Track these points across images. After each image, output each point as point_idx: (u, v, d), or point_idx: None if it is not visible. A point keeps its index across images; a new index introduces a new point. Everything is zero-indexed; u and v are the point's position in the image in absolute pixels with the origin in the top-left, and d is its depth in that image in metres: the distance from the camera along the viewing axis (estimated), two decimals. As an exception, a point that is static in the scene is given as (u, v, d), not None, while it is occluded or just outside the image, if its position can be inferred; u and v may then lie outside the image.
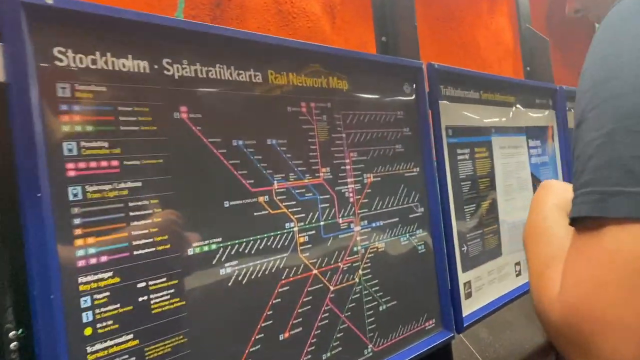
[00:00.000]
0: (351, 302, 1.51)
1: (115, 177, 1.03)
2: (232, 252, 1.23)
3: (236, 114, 1.27)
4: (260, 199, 1.30)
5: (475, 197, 2.05)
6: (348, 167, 1.54)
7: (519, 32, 3.04)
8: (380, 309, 1.61)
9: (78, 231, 0.97)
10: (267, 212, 1.31)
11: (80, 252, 0.97)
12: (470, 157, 2.04)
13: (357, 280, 1.54)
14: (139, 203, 1.07)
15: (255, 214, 1.28)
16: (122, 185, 1.04)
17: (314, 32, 2.85)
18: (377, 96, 1.68)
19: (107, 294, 1.00)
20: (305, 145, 1.43)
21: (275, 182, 1.33)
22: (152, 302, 1.07)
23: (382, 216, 1.64)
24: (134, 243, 1.05)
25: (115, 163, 1.04)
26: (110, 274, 1.01)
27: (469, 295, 1.96)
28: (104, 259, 1.00)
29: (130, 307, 1.04)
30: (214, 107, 1.23)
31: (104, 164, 1.02)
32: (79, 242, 0.97)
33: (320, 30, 2.89)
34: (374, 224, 1.61)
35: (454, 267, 1.87)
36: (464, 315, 1.89)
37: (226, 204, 1.22)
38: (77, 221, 0.97)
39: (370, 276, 1.58)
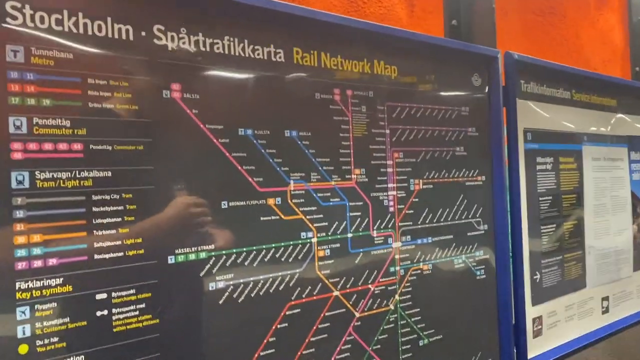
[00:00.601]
0: (382, 334, 1.25)
1: (77, 163, 0.85)
2: (227, 264, 1.01)
3: (246, 98, 1.06)
4: (270, 201, 1.07)
5: (557, 216, 1.70)
6: (390, 169, 1.28)
7: (629, 29, 2.59)
8: (421, 343, 1.33)
9: (20, 226, 0.80)
10: (278, 217, 1.08)
11: (21, 252, 0.80)
12: (553, 167, 1.69)
13: (391, 307, 1.27)
14: (106, 197, 0.88)
15: (262, 218, 1.06)
16: (86, 174, 0.86)
17: (386, 19, 2.56)
18: (436, 87, 1.40)
19: (53, 305, 0.82)
20: (335, 140, 1.18)
21: (292, 182, 1.10)
22: (114, 317, 0.88)
23: (431, 232, 1.36)
24: (96, 245, 0.86)
25: (78, 146, 0.85)
26: (59, 280, 0.83)
27: (538, 333, 1.63)
28: (52, 262, 0.82)
29: (84, 323, 0.85)
30: (217, 88, 1.02)
31: (62, 146, 0.84)
32: (20, 239, 0.80)
33: (395, 18, 2.59)
34: (419, 241, 1.34)
35: (522, 299, 1.54)
36: (529, 357, 1.56)
37: (224, 204, 1.01)
38: (19, 214, 0.80)
39: (409, 303, 1.31)
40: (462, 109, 1.45)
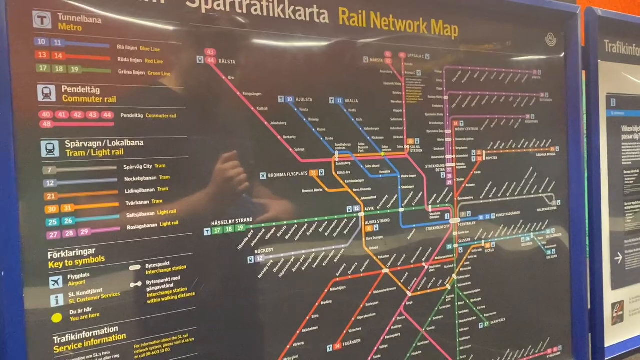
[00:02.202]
0: (437, 314, 1.17)
1: (108, 132, 0.83)
2: (267, 237, 0.97)
3: (286, 64, 0.99)
4: (313, 172, 1.01)
5: (645, 192, 1.52)
6: (449, 139, 1.18)
7: None
8: (480, 326, 1.24)
9: (51, 196, 0.79)
10: (321, 190, 1.02)
11: (52, 222, 0.79)
12: (642, 137, 1.51)
13: (448, 287, 1.19)
14: (139, 167, 0.85)
15: (304, 191, 1.01)
16: (117, 143, 0.84)
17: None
18: (503, 49, 1.27)
19: (87, 275, 0.82)
20: (386, 107, 1.10)
21: (337, 152, 1.04)
22: (148, 289, 0.86)
23: (494, 207, 1.25)
24: (129, 216, 0.85)
25: (108, 115, 0.83)
26: (92, 251, 0.82)
27: (618, 319, 1.48)
28: (85, 232, 0.81)
29: (117, 294, 0.84)
30: (255, 53, 0.97)
31: (92, 115, 0.82)
32: (51, 209, 0.79)
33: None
34: (481, 217, 1.23)
35: (599, 282, 1.40)
36: (606, 346, 1.42)
37: (263, 175, 0.96)
38: (50, 183, 0.79)
39: (469, 283, 1.21)
40: (534, 72, 1.31)
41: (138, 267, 0.86)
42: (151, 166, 0.86)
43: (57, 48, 0.79)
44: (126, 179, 0.84)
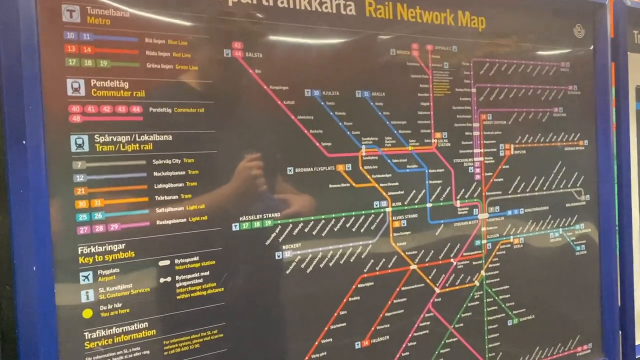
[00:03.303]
0: (466, 311, 1.15)
1: (137, 126, 0.83)
2: (295, 232, 0.96)
3: (313, 57, 0.98)
4: (340, 167, 1.00)
5: (676, 187, 1.49)
6: (477, 133, 1.16)
7: None
8: (509, 323, 1.22)
9: (81, 190, 0.79)
10: (348, 184, 1.01)
11: (83, 217, 0.79)
12: (672, 130, 1.47)
13: (476, 283, 1.17)
14: (167, 161, 0.85)
15: (330, 186, 0.99)
16: (146, 137, 0.83)
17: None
18: (531, 40, 1.24)
19: (117, 270, 0.81)
20: (413, 101, 1.08)
21: (364, 147, 1.02)
22: (177, 285, 0.86)
23: (523, 202, 1.23)
24: (158, 211, 0.84)
25: (137, 109, 0.83)
26: (122, 246, 0.82)
27: (650, 317, 1.44)
28: (114, 227, 0.81)
29: (147, 289, 0.84)
30: (282, 46, 0.96)
31: (121, 109, 0.81)
32: (81, 203, 0.79)
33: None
34: (509, 212, 1.21)
35: (630, 278, 1.37)
36: (637, 343, 1.39)
37: (290, 170, 0.95)
38: (79, 178, 0.79)
39: (497, 280, 1.19)
40: (562, 64, 1.28)
41: (167, 262, 0.85)
42: (180, 161, 0.86)
43: (86, 42, 0.79)
44: (155, 173, 0.84)
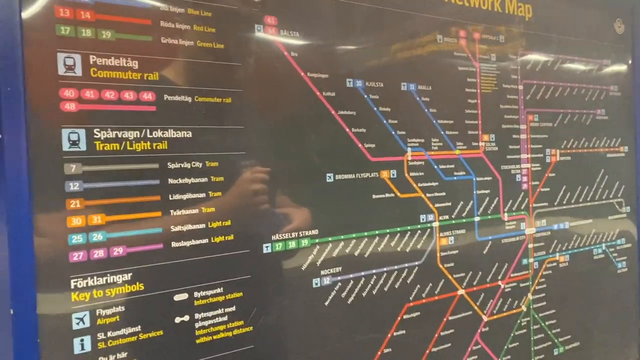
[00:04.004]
0: (513, 341, 1.00)
1: (148, 119, 0.63)
2: (335, 253, 0.78)
3: (355, 40, 0.81)
4: (384, 173, 0.83)
5: None
6: (524, 136, 1.01)
7: None
8: (555, 352, 1.07)
9: (75, 203, 0.58)
10: (393, 194, 0.84)
11: (77, 239, 0.58)
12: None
13: (523, 308, 1.02)
14: (186, 165, 0.65)
15: (374, 196, 0.82)
16: (159, 134, 0.64)
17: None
18: (575, 33, 1.11)
19: (121, 309, 0.61)
20: (461, 97, 0.93)
21: (409, 149, 0.86)
22: (197, 325, 0.66)
23: (568, 215, 1.09)
24: (173, 229, 0.64)
25: (148, 96, 0.63)
26: (128, 276, 0.61)
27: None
28: (119, 251, 0.61)
29: (159, 332, 0.64)
30: (321, 25, 0.78)
31: (129, 96, 0.62)
32: (75, 221, 0.58)
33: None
34: (555, 226, 1.07)
35: (668, 298, 1.26)
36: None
37: (329, 177, 0.78)
38: (73, 186, 0.58)
39: (544, 303, 1.05)
40: (604, 62, 1.17)
41: (185, 296, 0.65)
42: (201, 164, 0.66)
43: (84, 5, 0.59)
44: (170, 180, 0.64)
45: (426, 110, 0.88)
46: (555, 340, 1.07)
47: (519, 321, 1.01)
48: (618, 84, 1.19)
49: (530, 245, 1.03)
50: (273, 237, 0.72)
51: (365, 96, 0.81)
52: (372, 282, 0.82)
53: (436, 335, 0.89)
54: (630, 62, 1.20)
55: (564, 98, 1.08)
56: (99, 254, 0.60)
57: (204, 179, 0.67)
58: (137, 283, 0.62)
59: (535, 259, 1.03)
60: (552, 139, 1.06)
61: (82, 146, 0.59)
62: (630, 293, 1.22)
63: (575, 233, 1.10)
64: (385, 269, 0.83)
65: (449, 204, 0.91)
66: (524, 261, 1.02)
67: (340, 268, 0.79)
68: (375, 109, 0.82)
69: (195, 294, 0.66)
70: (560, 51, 1.08)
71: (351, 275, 0.80)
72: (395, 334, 0.84)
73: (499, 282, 0.98)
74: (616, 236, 1.18)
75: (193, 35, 0.66)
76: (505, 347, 0.99)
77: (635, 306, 1.23)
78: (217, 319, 0.68)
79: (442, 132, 0.90)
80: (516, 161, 1.00)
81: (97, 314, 0.60)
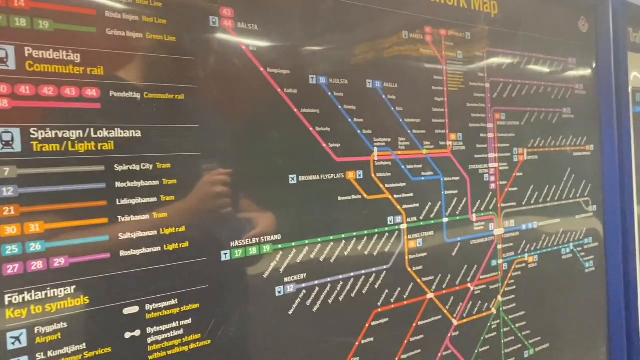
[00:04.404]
0: (483, 345, 0.98)
1: (92, 117, 0.58)
2: (299, 259, 0.74)
3: (318, 34, 0.78)
4: (350, 174, 0.80)
5: (666, 195, 1.41)
6: (491, 135, 0.99)
7: None
8: (526, 354, 1.05)
9: (9, 210, 0.53)
10: (359, 196, 0.80)
11: (12, 249, 0.53)
12: (662, 136, 1.40)
13: (493, 311, 0.99)
14: (135, 167, 0.60)
15: (340, 198, 0.79)
16: (105, 133, 0.59)
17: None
18: (540, 30, 1.10)
19: (63, 326, 0.56)
20: (427, 95, 0.90)
21: (376, 149, 0.83)
22: (149, 340, 0.61)
23: (536, 215, 1.08)
24: (122, 237, 0.59)
25: (92, 92, 0.58)
26: (71, 289, 0.56)
27: (650, 337, 1.34)
28: (60, 262, 0.55)
29: (107, 349, 0.58)
30: (282, 18, 0.74)
31: (70, 92, 0.57)
32: (9, 230, 0.53)
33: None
34: (524, 227, 1.05)
35: (635, 296, 1.26)
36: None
37: (292, 179, 0.74)
38: (7, 192, 0.53)
39: (514, 305, 1.03)
40: (569, 60, 1.16)
41: (135, 309, 0.60)
42: (152, 166, 0.61)
43: (17, -10, 0.54)
44: (118, 184, 0.59)
45: (392, 108, 0.85)
46: (526, 343, 1.05)
47: (489, 324, 0.99)
48: (583, 83, 1.18)
49: (499, 246, 1.00)
50: (232, 244, 0.68)
51: (330, 93, 0.77)
52: (338, 289, 0.78)
53: (405, 341, 0.86)
54: (594, 60, 1.20)
55: (531, 96, 1.07)
56: (38, 265, 0.54)
57: (155, 182, 0.62)
58: (82, 296, 0.57)
59: (505, 260, 1.01)
60: (520, 137, 1.04)
61: (17, 147, 0.53)
62: (598, 292, 1.21)
63: (543, 233, 1.09)
64: (352, 274, 0.80)
65: (417, 205, 0.88)
66: (493, 262, 0.99)
67: (304, 274, 0.74)
68: (340, 107, 0.78)
69: (147, 307, 0.61)
70: (526, 49, 1.06)
71: (316, 282, 0.76)
72: (363, 341, 0.80)
73: (469, 285, 0.95)
74: (583, 235, 1.18)
75: (142, 27, 0.61)
76: (476, 351, 0.96)
77: (603, 305, 1.22)
78: (171, 332, 0.63)
79: (409, 131, 0.87)
80: (484, 160, 0.98)
81: (36, 332, 0.54)
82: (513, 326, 1.03)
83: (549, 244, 1.10)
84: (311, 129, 0.75)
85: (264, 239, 0.70)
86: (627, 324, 1.25)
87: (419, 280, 0.88)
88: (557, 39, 1.13)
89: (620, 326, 1.23)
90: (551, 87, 1.11)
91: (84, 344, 0.57)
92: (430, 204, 0.90)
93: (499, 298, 1.00)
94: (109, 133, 0.59)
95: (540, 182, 1.08)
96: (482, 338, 0.98)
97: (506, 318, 1.02)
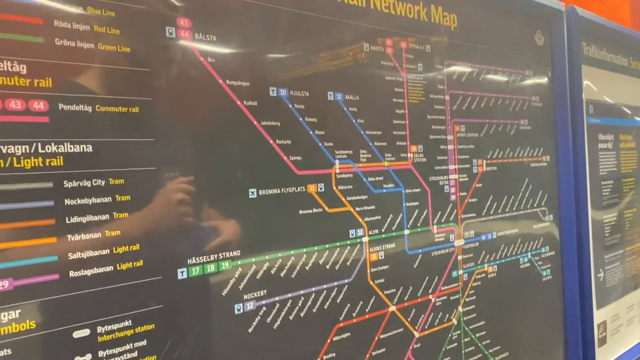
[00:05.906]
0: (445, 356, 0.98)
1: (40, 131, 0.55)
2: (259, 275, 0.72)
3: (279, 46, 0.76)
4: (311, 187, 0.78)
5: (617, 204, 1.45)
6: (451, 147, 1.00)
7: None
8: (486, 364, 1.06)
9: (-54, 231, 0.49)
10: (320, 209, 0.79)
11: (-50, 273, 0.49)
12: (614, 146, 1.44)
13: (454, 321, 1.00)
14: (86, 183, 0.58)
15: (301, 212, 0.77)
16: (53, 148, 0.56)
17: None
18: (498, 43, 1.12)
19: (7, 352, 0.52)
20: (388, 107, 0.90)
21: (337, 162, 0.82)
22: (101, 364, 0.58)
23: (495, 225, 1.09)
24: (71, 257, 0.56)
25: (40, 105, 0.55)
26: (15, 314, 0.53)
27: (602, 341, 1.38)
28: (3, 285, 0.52)
29: (56, 377, 0.55)
30: (241, 30, 0.73)
31: (16, 105, 0.54)
32: (-53, 252, 0.49)
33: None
34: (483, 237, 1.06)
35: (589, 302, 1.29)
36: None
37: (252, 193, 0.72)
38: (-55, 211, 0.50)
39: (474, 315, 1.04)
40: (526, 72, 1.18)
41: (86, 332, 0.57)
42: (104, 182, 0.59)
43: (-43, -2, 0.51)
44: (67, 201, 0.56)
45: (354, 120, 0.84)
46: (486, 352, 1.06)
47: (450, 335, 0.99)
48: (539, 95, 1.21)
49: (460, 257, 1.01)
50: (189, 261, 0.66)
51: (290, 106, 0.76)
52: (299, 304, 0.77)
53: (367, 355, 0.85)
54: (550, 73, 1.23)
55: (489, 108, 1.08)
56: (-21, 289, 0.51)
57: (108, 199, 0.59)
58: (28, 321, 0.54)
59: (465, 270, 1.02)
60: (479, 149, 1.05)
61: (-44, 163, 0.50)
62: (554, 300, 1.23)
63: (502, 243, 1.10)
64: (313, 289, 0.78)
65: (379, 217, 0.87)
66: (454, 273, 1.00)
67: (264, 291, 0.73)
68: (300, 119, 0.77)
69: (99, 329, 0.58)
70: (485, 62, 1.08)
71: (277, 298, 0.74)
72: (325, 357, 0.79)
73: (430, 296, 0.95)
74: (541, 244, 1.20)
75: (94, 37, 0.59)
76: (437, 362, 0.97)
77: (559, 312, 1.24)
78: (125, 355, 0.60)
79: (371, 144, 0.86)
80: (444, 172, 0.98)
81: (-24, 361, 0.51)
82: (473, 336, 1.03)
83: (507, 253, 1.11)
84: (271, 141, 0.74)
85: (222, 255, 0.69)
86: (583, 330, 1.28)
87: (380, 294, 0.87)
88: (515, 52, 1.15)
89: (576, 332, 1.25)
90: (509, 99, 1.13)
91: (30, 372, 0.54)
92: (391, 216, 0.89)
93: (460, 309, 1.01)
94: (57, 148, 0.56)
95: (498, 193, 1.09)
96: (444, 349, 0.98)
97: (467, 328, 1.02)
